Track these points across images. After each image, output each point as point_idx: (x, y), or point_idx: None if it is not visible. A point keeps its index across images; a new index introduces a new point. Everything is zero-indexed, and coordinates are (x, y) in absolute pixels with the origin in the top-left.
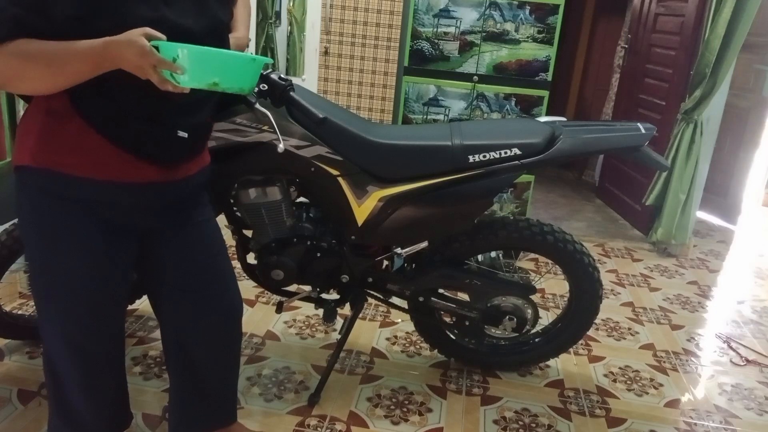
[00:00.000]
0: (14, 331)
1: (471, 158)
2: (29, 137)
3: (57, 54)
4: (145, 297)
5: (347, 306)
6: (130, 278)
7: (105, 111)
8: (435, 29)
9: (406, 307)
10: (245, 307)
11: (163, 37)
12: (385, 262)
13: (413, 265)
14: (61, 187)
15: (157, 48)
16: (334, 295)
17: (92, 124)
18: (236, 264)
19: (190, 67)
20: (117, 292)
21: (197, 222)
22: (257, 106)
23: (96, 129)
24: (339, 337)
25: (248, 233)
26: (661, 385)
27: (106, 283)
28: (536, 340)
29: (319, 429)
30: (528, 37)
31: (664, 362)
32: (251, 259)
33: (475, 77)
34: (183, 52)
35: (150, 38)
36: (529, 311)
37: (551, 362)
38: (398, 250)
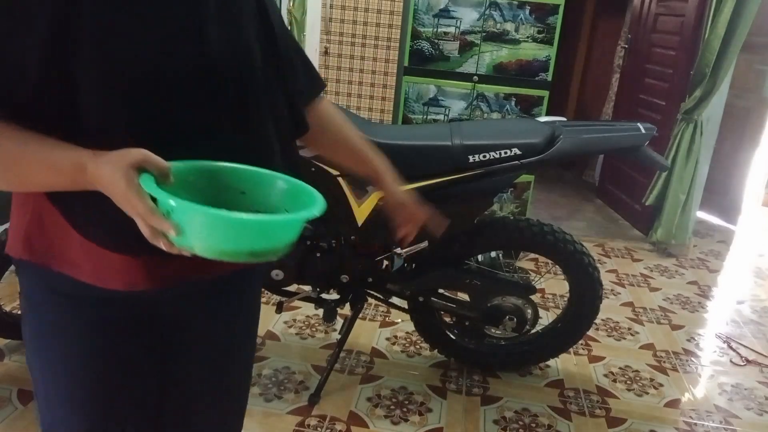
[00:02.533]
0: (14, 331)
1: (471, 158)
2: (21, 224)
3: (20, 157)
4: None
5: (347, 306)
6: (154, 373)
7: (83, 203)
8: (435, 29)
9: (406, 307)
10: None
11: (165, 165)
12: (385, 262)
13: (413, 265)
14: (65, 287)
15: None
16: (334, 295)
17: (70, 220)
18: None
19: (191, 231)
20: (135, 394)
21: (231, 312)
22: None
23: (75, 226)
24: (339, 337)
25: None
26: (661, 385)
27: (119, 388)
28: (536, 340)
29: (319, 429)
30: (528, 37)
31: (664, 362)
32: None
33: (475, 77)
34: (179, 206)
35: (144, 167)
36: (529, 311)
37: (551, 362)
38: (398, 250)
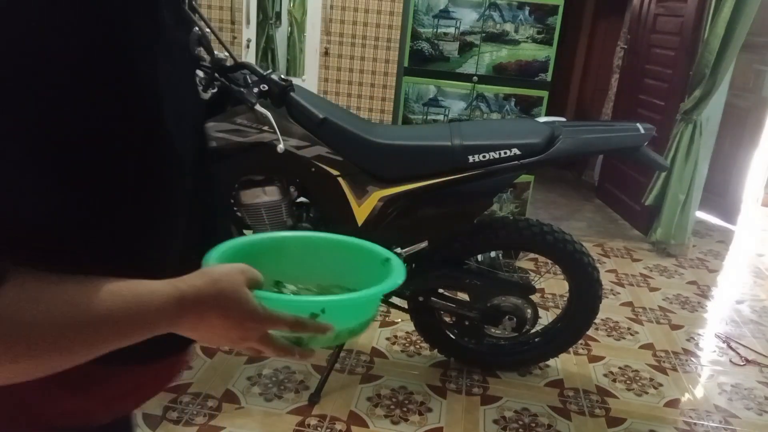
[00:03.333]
0: None
1: (471, 158)
2: None
3: (74, 324)
4: None
5: None
6: None
7: None
8: (435, 30)
9: (406, 307)
10: None
11: (259, 276)
12: None
13: (413, 265)
14: None
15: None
16: None
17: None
18: None
19: (340, 321)
20: None
21: None
22: (257, 106)
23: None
24: None
25: (248, 233)
26: (661, 385)
27: None
28: (536, 340)
29: (319, 429)
30: (527, 38)
31: (664, 362)
32: None
33: (475, 77)
34: (334, 303)
35: (253, 285)
36: (529, 311)
37: (551, 362)
38: (398, 250)
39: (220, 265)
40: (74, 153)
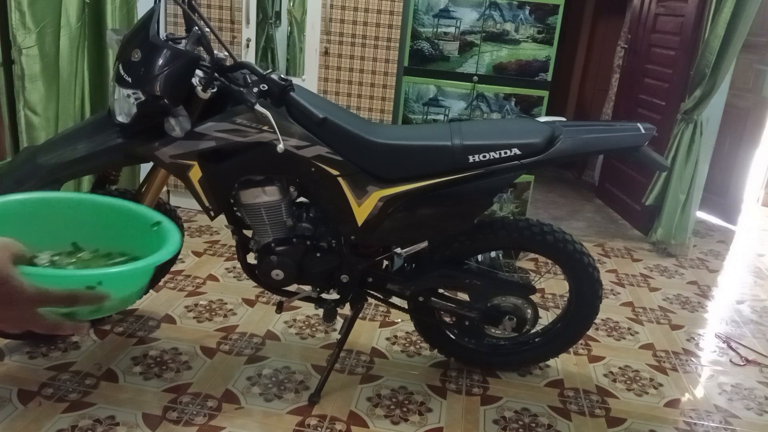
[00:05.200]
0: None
1: (471, 158)
2: None
3: None
4: (145, 297)
5: (347, 306)
6: None
7: None
8: (435, 29)
9: (406, 307)
10: (245, 306)
11: (24, 250)
12: (385, 262)
13: (413, 265)
14: None
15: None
16: (334, 295)
17: None
18: (236, 264)
19: (117, 290)
20: None
21: None
22: (257, 106)
23: None
24: (339, 337)
25: (248, 233)
26: (661, 385)
27: None
28: (536, 340)
29: (319, 429)
30: (528, 38)
31: (664, 362)
32: (251, 259)
33: (475, 77)
34: (111, 276)
35: (18, 260)
36: (529, 311)
37: (551, 362)
38: (398, 250)
39: None
40: None
